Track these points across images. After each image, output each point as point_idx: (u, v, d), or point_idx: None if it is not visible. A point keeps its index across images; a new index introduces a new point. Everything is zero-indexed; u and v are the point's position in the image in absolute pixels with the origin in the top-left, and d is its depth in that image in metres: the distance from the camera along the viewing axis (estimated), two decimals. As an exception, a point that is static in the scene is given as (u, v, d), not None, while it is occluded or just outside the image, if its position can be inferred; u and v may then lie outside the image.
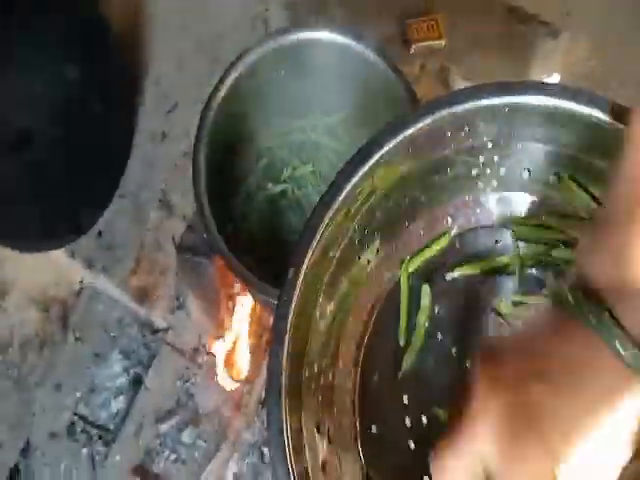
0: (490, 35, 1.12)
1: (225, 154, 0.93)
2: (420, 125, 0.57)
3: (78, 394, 1.04)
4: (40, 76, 0.97)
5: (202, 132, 0.87)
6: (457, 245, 0.69)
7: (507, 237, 0.70)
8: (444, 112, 0.57)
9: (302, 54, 0.93)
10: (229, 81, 0.90)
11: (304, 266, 0.54)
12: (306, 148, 1.01)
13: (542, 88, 0.58)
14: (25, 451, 1.02)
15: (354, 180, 0.57)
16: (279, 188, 0.98)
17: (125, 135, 1.13)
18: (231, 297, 1.04)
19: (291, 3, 1.16)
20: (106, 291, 1.08)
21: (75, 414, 1.03)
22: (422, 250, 0.69)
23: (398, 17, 1.13)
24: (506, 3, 1.14)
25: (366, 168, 0.57)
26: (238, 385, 0.99)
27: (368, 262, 0.65)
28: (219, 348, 1.01)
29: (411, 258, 0.69)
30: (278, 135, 1.01)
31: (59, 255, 1.07)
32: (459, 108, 0.57)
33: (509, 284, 0.69)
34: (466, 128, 0.60)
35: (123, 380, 1.04)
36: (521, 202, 0.70)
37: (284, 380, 0.52)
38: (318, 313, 0.59)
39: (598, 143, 0.58)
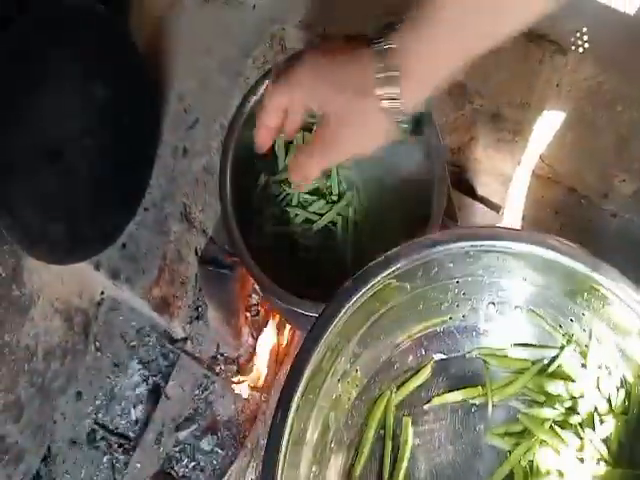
0: (501, 52, 1.14)
1: (248, 171, 0.95)
2: (396, 266, 0.63)
3: (98, 402, 1.06)
4: (71, 91, 1.00)
5: (227, 147, 0.89)
6: (433, 375, 0.73)
7: (479, 366, 0.73)
8: (416, 255, 0.63)
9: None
10: (254, 97, 0.93)
11: (294, 403, 0.58)
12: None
13: (499, 234, 0.64)
14: (46, 458, 1.04)
15: (340, 317, 0.61)
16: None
17: (150, 149, 1.17)
18: (249, 307, 1.06)
19: (306, 23, 1.20)
20: (127, 302, 1.11)
21: (95, 422, 1.05)
22: (403, 384, 0.72)
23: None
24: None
25: (349, 306, 0.61)
26: (255, 393, 1.01)
27: (348, 398, 0.69)
28: (237, 357, 1.02)
29: (394, 392, 0.72)
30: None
31: (84, 266, 1.10)
32: (428, 252, 0.63)
33: (488, 413, 0.71)
34: (435, 269, 0.65)
35: (142, 389, 1.06)
36: (490, 333, 0.72)
37: None
38: (307, 440, 0.62)
39: (558, 280, 0.64)
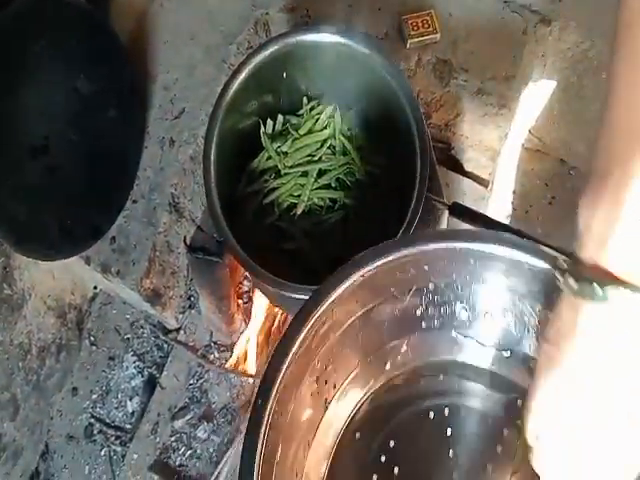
0: (484, 25, 1.13)
1: (232, 156, 0.95)
2: (372, 266, 0.59)
3: (94, 396, 1.06)
4: (55, 86, 1.00)
5: (211, 134, 0.88)
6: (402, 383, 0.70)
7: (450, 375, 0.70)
8: (392, 255, 0.60)
9: (302, 56, 0.95)
10: (235, 84, 0.92)
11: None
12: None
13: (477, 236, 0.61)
14: (44, 454, 1.04)
15: (314, 317, 0.58)
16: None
17: (137, 141, 1.16)
18: (241, 295, 1.06)
19: (289, 7, 1.19)
20: (120, 295, 1.10)
21: (92, 416, 1.05)
22: None
23: (394, 14, 1.15)
24: (500, -4, 1.16)
25: (324, 307, 0.59)
26: (249, 379, 1.00)
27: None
28: (230, 344, 1.02)
29: None
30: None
31: (74, 261, 1.09)
32: (406, 251, 0.60)
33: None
34: (412, 270, 0.62)
35: (138, 381, 1.06)
36: (463, 339, 0.70)
37: None
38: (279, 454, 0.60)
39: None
